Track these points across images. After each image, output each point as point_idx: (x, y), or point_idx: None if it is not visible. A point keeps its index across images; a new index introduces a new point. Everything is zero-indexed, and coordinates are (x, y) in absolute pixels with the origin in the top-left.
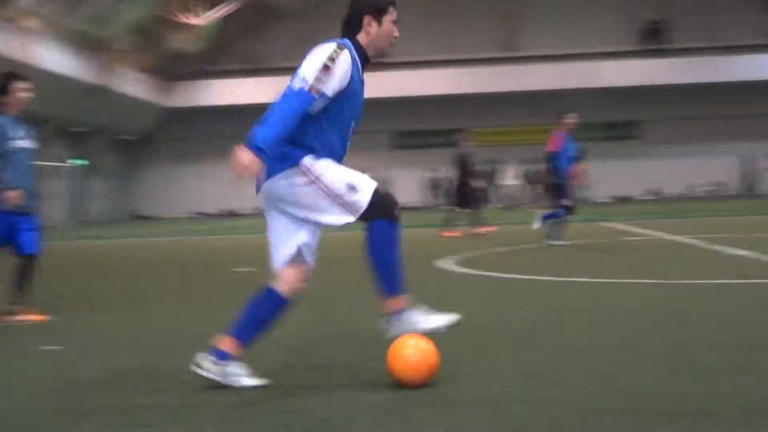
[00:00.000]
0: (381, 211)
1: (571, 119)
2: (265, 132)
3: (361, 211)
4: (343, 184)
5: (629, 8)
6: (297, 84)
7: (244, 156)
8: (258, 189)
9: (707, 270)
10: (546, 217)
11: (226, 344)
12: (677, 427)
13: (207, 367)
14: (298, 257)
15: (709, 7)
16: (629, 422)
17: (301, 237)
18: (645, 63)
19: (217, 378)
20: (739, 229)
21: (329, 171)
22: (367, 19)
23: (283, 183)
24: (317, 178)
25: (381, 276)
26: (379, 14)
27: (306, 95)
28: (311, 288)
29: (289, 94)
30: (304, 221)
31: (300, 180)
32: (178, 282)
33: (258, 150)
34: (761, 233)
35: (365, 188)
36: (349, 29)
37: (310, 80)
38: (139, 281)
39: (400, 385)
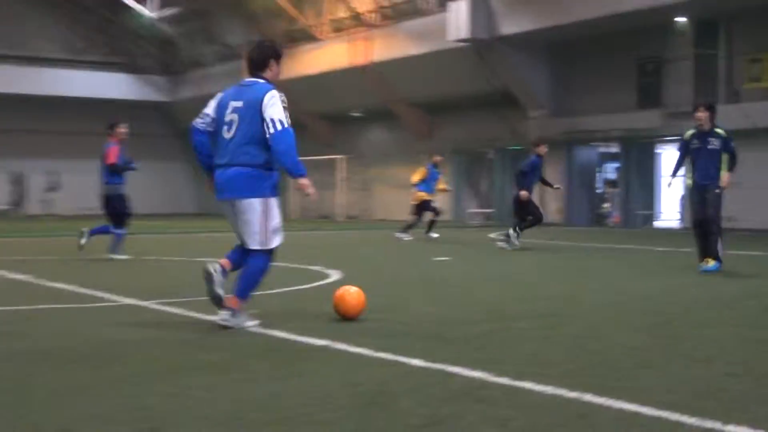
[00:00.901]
0: (274, 253)
1: (123, 129)
2: (299, 165)
3: (270, 248)
4: (275, 225)
5: None
6: (284, 125)
7: (307, 183)
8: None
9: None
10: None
11: (234, 302)
12: None
13: (227, 319)
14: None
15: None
16: None
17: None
18: None
19: (234, 325)
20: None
21: (275, 212)
22: (271, 62)
23: (246, 204)
24: (269, 212)
25: (244, 284)
26: (278, 58)
27: (292, 131)
28: None
29: (286, 135)
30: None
31: (259, 208)
32: None
33: (305, 176)
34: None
35: (280, 234)
36: (258, 69)
37: (287, 120)
38: None
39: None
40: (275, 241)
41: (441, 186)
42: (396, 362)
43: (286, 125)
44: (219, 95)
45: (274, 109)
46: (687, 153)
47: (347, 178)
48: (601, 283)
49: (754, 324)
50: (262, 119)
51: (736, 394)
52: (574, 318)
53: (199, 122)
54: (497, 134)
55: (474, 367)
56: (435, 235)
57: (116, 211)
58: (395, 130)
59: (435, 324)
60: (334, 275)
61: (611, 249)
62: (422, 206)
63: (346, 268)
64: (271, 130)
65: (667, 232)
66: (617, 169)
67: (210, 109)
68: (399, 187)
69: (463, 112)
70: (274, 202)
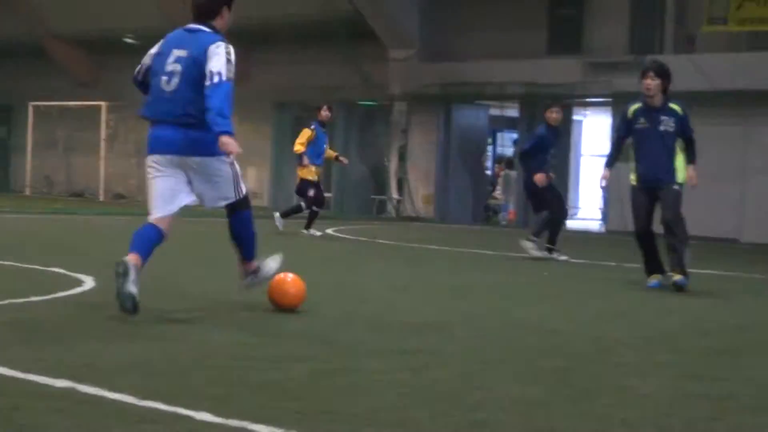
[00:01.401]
0: (248, 201)
1: None
2: (228, 122)
3: (242, 195)
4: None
5: None
6: (222, 78)
7: (231, 140)
8: (168, 153)
9: None
10: None
11: (251, 266)
12: None
13: (252, 282)
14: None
15: None
16: None
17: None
18: None
19: (263, 282)
20: None
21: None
22: (223, 10)
23: (215, 162)
24: (233, 163)
25: (244, 246)
26: (230, 6)
27: (230, 85)
28: None
29: (220, 89)
30: (196, 190)
31: (225, 163)
32: None
33: (231, 134)
34: None
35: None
36: (207, 16)
37: (228, 73)
38: None
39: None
40: (243, 187)
41: (329, 153)
42: (173, 416)
43: (224, 78)
44: (161, 41)
45: (217, 60)
46: (629, 135)
47: (113, 138)
48: (485, 309)
49: (701, 373)
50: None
51: None
52: (445, 357)
53: (137, 73)
54: (340, 82)
55: (289, 427)
56: (318, 233)
57: None
58: None
59: (235, 360)
60: (87, 282)
61: (502, 259)
62: (304, 189)
63: (106, 272)
64: (207, 83)
65: (586, 236)
66: (515, 142)
67: (148, 57)
68: None
69: (290, 48)
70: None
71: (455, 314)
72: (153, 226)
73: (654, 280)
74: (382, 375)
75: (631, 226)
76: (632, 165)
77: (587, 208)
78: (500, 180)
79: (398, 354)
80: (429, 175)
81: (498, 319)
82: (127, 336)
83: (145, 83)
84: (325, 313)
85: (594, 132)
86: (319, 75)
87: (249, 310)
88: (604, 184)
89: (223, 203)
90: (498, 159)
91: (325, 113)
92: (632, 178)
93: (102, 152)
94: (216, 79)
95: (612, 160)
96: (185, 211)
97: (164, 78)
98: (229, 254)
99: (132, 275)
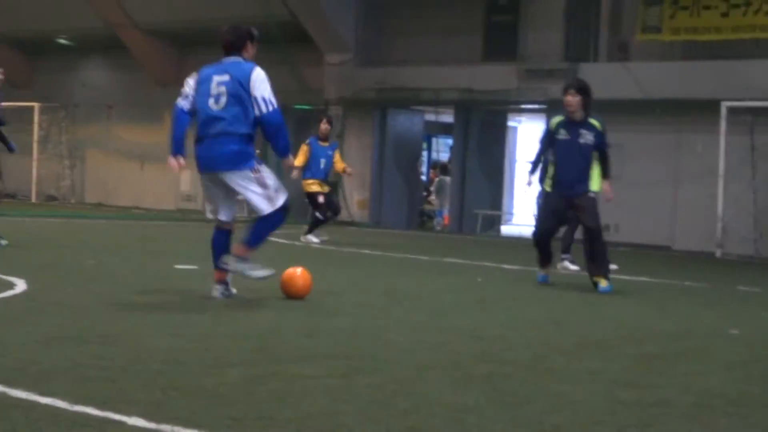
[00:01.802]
0: (286, 211)
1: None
2: (288, 146)
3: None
4: (274, 185)
5: None
6: (274, 104)
7: (292, 161)
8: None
9: None
10: None
11: (241, 250)
12: None
13: (231, 267)
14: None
15: None
16: None
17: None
18: None
19: (238, 271)
20: None
21: (268, 173)
22: (248, 43)
23: (238, 177)
24: (263, 177)
25: (254, 234)
26: (253, 40)
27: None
28: None
29: (276, 115)
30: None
31: (253, 176)
32: None
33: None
34: None
35: (283, 193)
36: (235, 49)
37: (274, 99)
38: None
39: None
40: (281, 198)
41: (339, 166)
42: (105, 421)
43: (276, 104)
44: (196, 74)
45: (263, 86)
46: (551, 146)
47: (46, 138)
48: (419, 314)
49: (633, 380)
50: (249, 95)
51: None
52: (378, 363)
53: (182, 102)
54: (276, 86)
55: None
56: (315, 239)
57: None
58: (124, 69)
59: (168, 365)
60: (19, 285)
61: (435, 264)
62: (313, 200)
63: (38, 275)
64: (263, 110)
65: (520, 243)
66: (451, 147)
67: (189, 87)
68: (127, 156)
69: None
70: (263, 167)
71: (389, 319)
72: None
73: (545, 273)
74: (316, 380)
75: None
76: (550, 172)
77: (521, 214)
78: (435, 185)
79: (331, 359)
80: (364, 180)
81: (432, 324)
82: (59, 340)
83: (189, 113)
84: (257, 318)
85: (529, 138)
86: None
87: (183, 313)
88: (529, 187)
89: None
90: (433, 164)
91: (324, 126)
92: (548, 184)
93: (35, 153)
94: (270, 107)
95: (534, 168)
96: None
97: (212, 100)
98: (168, 261)
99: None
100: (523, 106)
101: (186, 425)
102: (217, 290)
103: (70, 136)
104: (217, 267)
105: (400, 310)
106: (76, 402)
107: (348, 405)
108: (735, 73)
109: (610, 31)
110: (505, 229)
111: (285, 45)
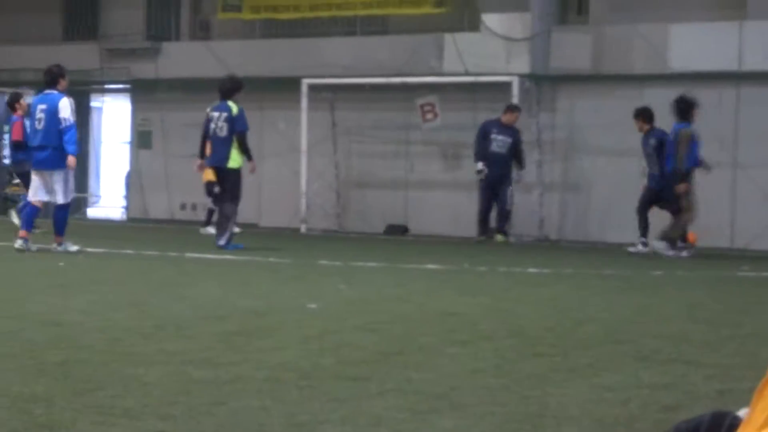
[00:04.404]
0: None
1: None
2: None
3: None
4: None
5: None
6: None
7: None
8: None
9: None
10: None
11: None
12: None
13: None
14: None
15: None
16: None
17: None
18: None
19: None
20: None
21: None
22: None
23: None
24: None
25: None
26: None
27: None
28: None
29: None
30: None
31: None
32: None
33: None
34: None
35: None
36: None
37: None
38: None
39: None
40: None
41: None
42: None
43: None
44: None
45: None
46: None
47: None
48: None
49: (210, 358)
50: None
51: None
52: None
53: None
54: None
55: None
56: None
57: None
58: None
59: None
60: None
61: (10, 250)
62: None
63: None
64: None
65: (107, 225)
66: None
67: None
68: None
69: None
70: None
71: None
72: None
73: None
74: None
75: (153, 214)
76: None
77: (108, 197)
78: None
79: None
80: None
81: (6, 311)
82: None
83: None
84: None
85: (114, 119)
86: None
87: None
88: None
89: None
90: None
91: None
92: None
93: None
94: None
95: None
96: None
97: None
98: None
99: None
100: (107, 87)
101: None
102: None
103: None
104: None
105: None
106: None
107: None
108: (314, 51)
109: (192, 10)
110: (92, 212)
111: None
